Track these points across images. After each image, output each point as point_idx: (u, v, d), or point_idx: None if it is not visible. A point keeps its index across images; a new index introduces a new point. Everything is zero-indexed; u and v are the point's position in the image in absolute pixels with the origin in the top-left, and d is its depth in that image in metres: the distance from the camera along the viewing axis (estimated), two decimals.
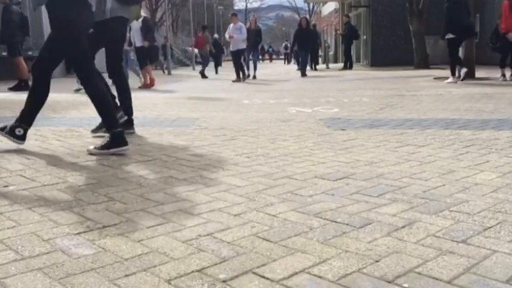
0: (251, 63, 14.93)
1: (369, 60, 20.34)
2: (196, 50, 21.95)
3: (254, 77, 14.30)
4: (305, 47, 15.29)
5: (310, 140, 3.73)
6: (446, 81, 9.79)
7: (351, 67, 18.60)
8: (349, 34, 18.80)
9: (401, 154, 3.15)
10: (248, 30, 14.47)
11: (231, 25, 13.69)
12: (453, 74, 9.85)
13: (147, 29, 10.95)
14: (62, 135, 4.12)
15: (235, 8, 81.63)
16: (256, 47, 14.97)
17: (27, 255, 1.61)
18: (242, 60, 13.86)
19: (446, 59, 17.35)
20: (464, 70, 9.55)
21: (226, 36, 13.80)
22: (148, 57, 11.18)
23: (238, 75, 13.30)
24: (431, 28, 15.75)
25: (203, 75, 15.90)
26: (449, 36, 9.65)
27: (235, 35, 13.17)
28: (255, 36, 14.55)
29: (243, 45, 13.55)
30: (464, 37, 9.76)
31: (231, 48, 13.75)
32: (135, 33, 10.88)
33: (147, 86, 11.06)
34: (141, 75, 11.47)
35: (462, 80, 9.53)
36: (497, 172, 2.63)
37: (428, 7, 15.83)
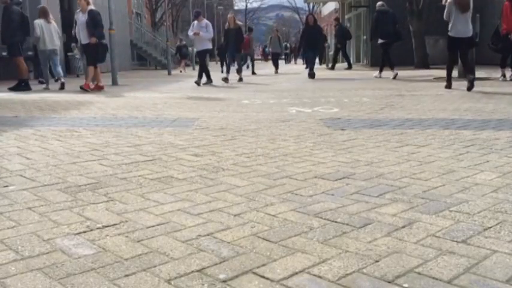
0: (235, 65, 13.69)
1: (369, 60, 20.34)
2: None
3: (240, 79, 12.94)
4: (313, 47, 13.58)
5: (310, 140, 3.73)
6: (374, 74, 12.19)
7: (350, 67, 18.63)
8: (341, 35, 18.91)
9: (401, 154, 3.15)
10: (227, 30, 13.08)
11: (195, 22, 11.90)
12: (381, 71, 12.24)
13: (95, 24, 9.46)
14: (62, 135, 4.12)
15: (235, 8, 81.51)
16: (238, 47, 13.31)
17: (27, 255, 1.61)
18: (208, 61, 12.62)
19: (446, 59, 17.38)
20: (395, 72, 11.71)
21: (190, 33, 12.10)
22: (95, 57, 9.73)
23: (200, 76, 11.82)
24: (431, 28, 15.75)
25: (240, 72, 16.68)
26: (380, 41, 11.99)
27: (202, 32, 11.61)
28: (235, 35, 12.95)
29: (209, 45, 12.25)
30: (391, 41, 11.98)
31: (196, 48, 12.15)
32: (80, 28, 9.55)
33: (98, 87, 9.90)
34: (61, 77, 10.32)
35: (394, 78, 11.59)
36: (497, 172, 2.63)
37: (428, 7, 15.84)
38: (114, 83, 12.03)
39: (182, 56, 23.37)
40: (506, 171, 2.65)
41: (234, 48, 13.13)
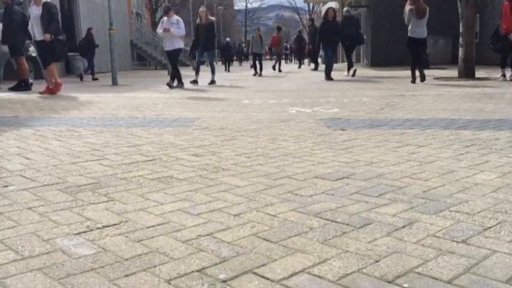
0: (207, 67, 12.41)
1: (369, 60, 20.35)
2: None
3: (212, 81, 11.69)
4: (333, 45, 12.81)
5: (310, 140, 3.73)
6: (344, 74, 13.47)
7: (316, 68, 19.15)
8: (314, 36, 19.36)
9: (401, 154, 3.15)
10: (198, 26, 11.73)
11: (165, 19, 10.72)
12: (349, 70, 13.50)
13: (50, 18, 8.54)
14: (62, 135, 4.12)
15: (235, 8, 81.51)
16: (210, 46, 11.87)
17: (27, 255, 1.61)
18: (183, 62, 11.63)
19: (446, 59, 17.41)
20: (353, 69, 13.38)
21: (159, 31, 10.87)
22: (51, 55, 8.83)
23: (173, 78, 10.85)
24: (431, 28, 15.74)
25: (274, 69, 17.97)
26: (347, 43, 13.51)
27: (172, 29, 10.39)
28: (205, 33, 11.56)
29: (181, 44, 10.90)
30: (354, 44, 13.79)
31: (165, 48, 10.85)
32: (34, 23, 8.68)
33: (50, 91, 8.88)
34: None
35: (353, 76, 13.13)
36: (497, 172, 2.63)
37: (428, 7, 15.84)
38: (114, 83, 12.03)
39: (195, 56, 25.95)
40: (506, 171, 2.65)
41: (205, 46, 11.70)
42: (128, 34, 27.45)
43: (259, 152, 3.30)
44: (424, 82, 9.98)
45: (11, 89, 9.85)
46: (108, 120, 5.18)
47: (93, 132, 4.31)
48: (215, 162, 3.00)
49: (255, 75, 16.19)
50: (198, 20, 12.00)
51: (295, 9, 69.45)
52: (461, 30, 10.82)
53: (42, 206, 2.16)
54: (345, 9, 14.54)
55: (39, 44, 8.85)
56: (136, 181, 2.57)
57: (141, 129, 4.43)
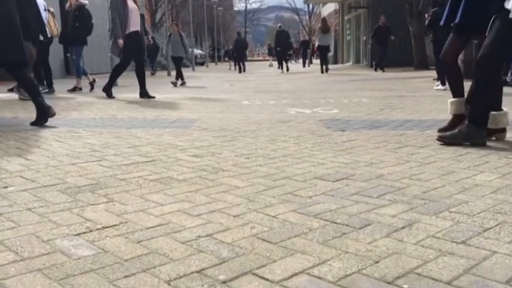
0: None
1: (369, 61, 20.37)
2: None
3: (79, 88, 9.67)
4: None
5: (309, 141, 3.73)
6: (279, 71, 19.96)
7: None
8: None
9: (401, 155, 3.15)
10: (67, 12, 8.79)
11: None
12: (281, 67, 20.23)
13: None
14: (62, 136, 4.12)
15: (235, 9, 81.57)
16: (78, 38, 8.71)
17: (26, 256, 1.61)
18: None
19: None
20: (285, 66, 20.09)
21: None
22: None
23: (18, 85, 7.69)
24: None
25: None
26: (278, 49, 20.26)
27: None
28: (72, 21, 8.70)
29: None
30: (284, 49, 20.31)
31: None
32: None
33: None
34: None
35: (287, 71, 19.67)
36: (497, 173, 2.63)
37: (427, 8, 15.88)
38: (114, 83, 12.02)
39: (230, 57, 32.22)
40: (506, 172, 2.65)
41: (76, 42, 8.70)
42: None
43: (259, 153, 3.30)
44: (425, 83, 10.00)
45: (11, 90, 9.84)
46: (108, 121, 5.18)
47: (93, 133, 4.31)
48: (215, 163, 3.00)
49: (175, 84, 12.11)
50: (67, 5, 9.01)
51: (295, 10, 69.49)
52: None
53: (42, 206, 2.15)
54: (279, 25, 22.43)
55: None
56: (136, 182, 2.57)
57: (141, 130, 4.43)
